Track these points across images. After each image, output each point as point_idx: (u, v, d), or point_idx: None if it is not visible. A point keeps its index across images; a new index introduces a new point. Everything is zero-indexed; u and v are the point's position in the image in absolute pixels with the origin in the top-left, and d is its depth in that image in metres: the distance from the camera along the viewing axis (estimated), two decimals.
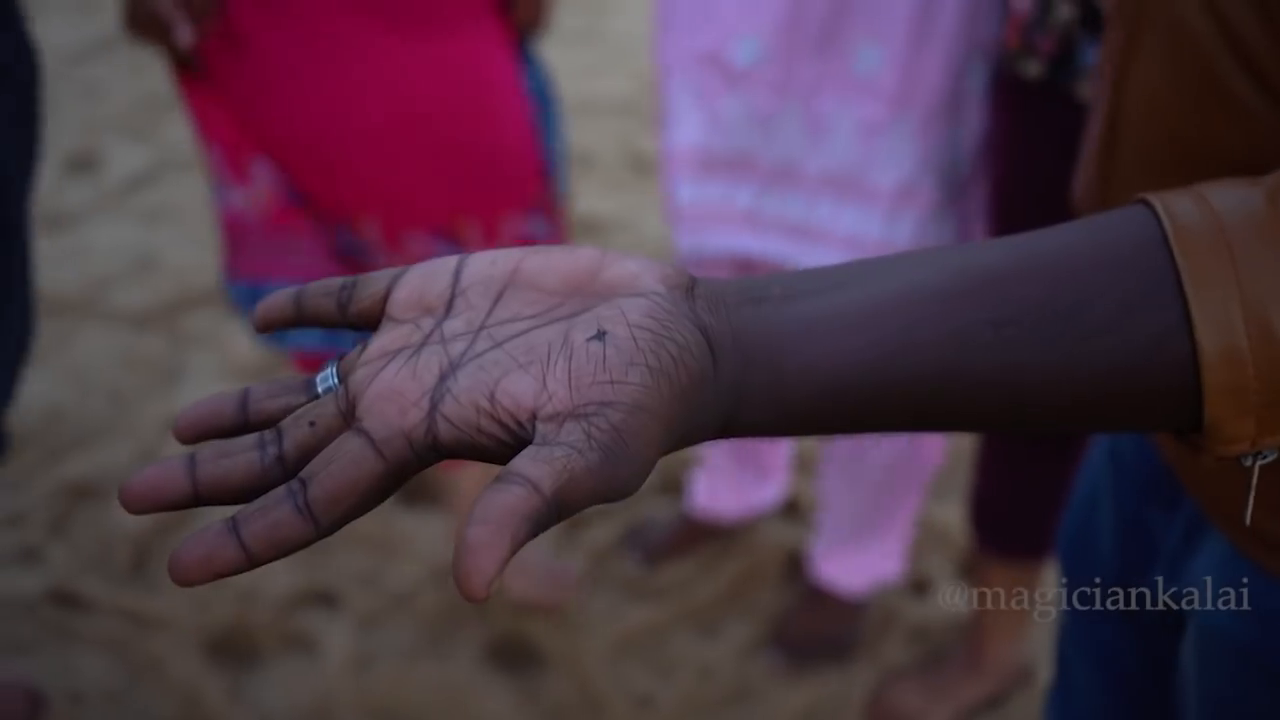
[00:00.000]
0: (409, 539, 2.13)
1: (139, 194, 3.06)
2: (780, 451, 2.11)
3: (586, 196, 3.13)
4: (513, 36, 1.81)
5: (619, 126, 3.43)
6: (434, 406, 0.49)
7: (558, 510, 0.46)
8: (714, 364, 0.51)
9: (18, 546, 2.07)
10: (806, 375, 0.52)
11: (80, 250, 2.82)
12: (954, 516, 2.14)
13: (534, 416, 0.48)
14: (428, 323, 0.53)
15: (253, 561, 0.46)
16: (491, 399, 0.49)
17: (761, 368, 0.52)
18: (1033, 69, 1.44)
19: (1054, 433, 0.55)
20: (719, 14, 1.70)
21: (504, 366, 0.50)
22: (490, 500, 0.44)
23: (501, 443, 0.48)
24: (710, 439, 0.52)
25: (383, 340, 0.53)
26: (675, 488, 2.25)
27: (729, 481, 2.09)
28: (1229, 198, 0.52)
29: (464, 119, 1.76)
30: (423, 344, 0.52)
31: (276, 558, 0.47)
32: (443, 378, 0.50)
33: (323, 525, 0.47)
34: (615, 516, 2.22)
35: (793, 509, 2.24)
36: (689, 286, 0.53)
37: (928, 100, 1.64)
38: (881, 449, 1.85)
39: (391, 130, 1.72)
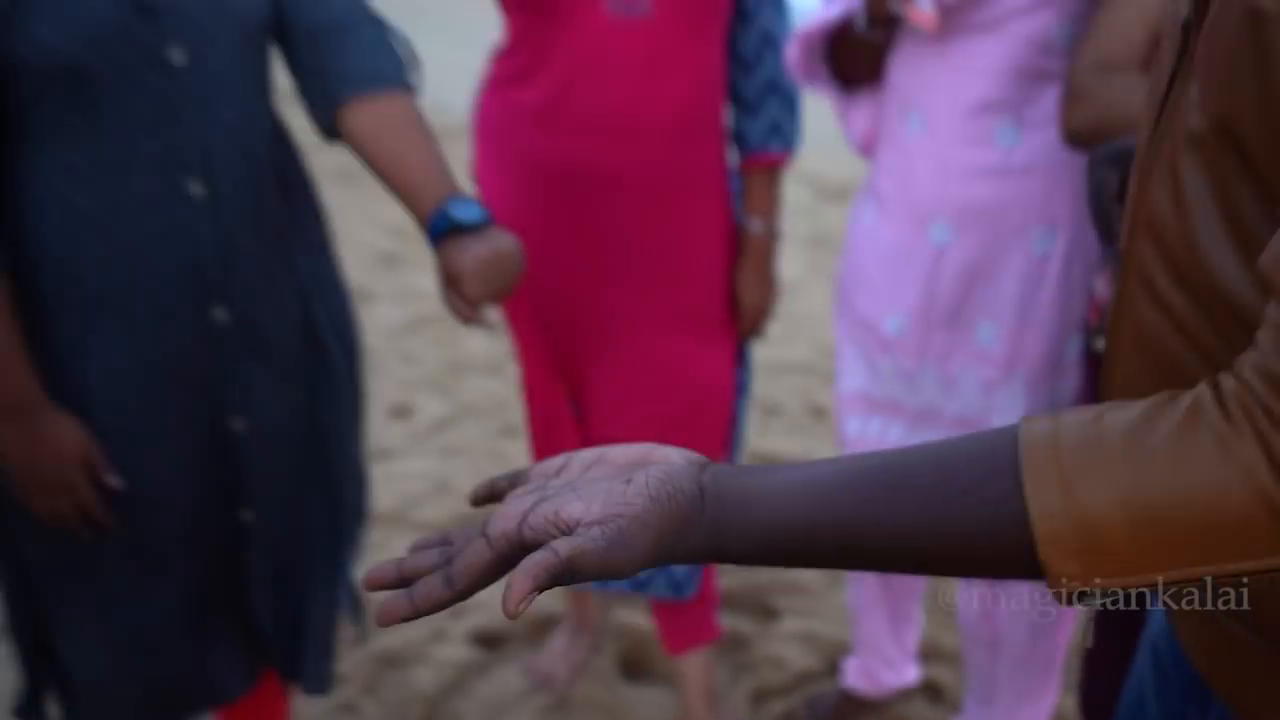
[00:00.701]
0: (631, 707, 2.14)
1: (441, 435, 3.21)
2: (910, 642, 2.08)
3: (772, 438, 3.17)
4: (736, 339, 1.92)
5: (802, 383, 3.48)
6: (523, 518, 0.64)
7: (570, 571, 0.60)
8: (702, 506, 0.64)
9: (340, 702, 2.16)
10: (764, 521, 0.63)
11: (395, 477, 2.96)
12: (1068, 705, 2.06)
13: (579, 523, 0.62)
14: (543, 481, 0.69)
15: (416, 611, 0.63)
16: (556, 514, 0.63)
17: (734, 514, 0.64)
18: (1101, 345, 1.45)
19: (953, 575, 0.62)
20: (875, 293, 1.77)
21: (570, 498, 0.64)
22: (530, 558, 0.60)
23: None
24: (701, 560, 0.64)
25: (517, 492, 0.69)
26: (835, 670, 2.23)
27: (874, 665, 2.07)
28: (1077, 414, 0.62)
29: (683, 404, 1.88)
30: (532, 491, 0.68)
31: (431, 611, 0.63)
32: (534, 505, 0.65)
33: (457, 589, 0.63)
34: (795, 692, 2.21)
35: (936, 693, 2.19)
36: (704, 464, 0.67)
37: (1033, 366, 1.67)
38: (1014, 638, 1.81)
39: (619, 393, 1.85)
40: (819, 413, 3.34)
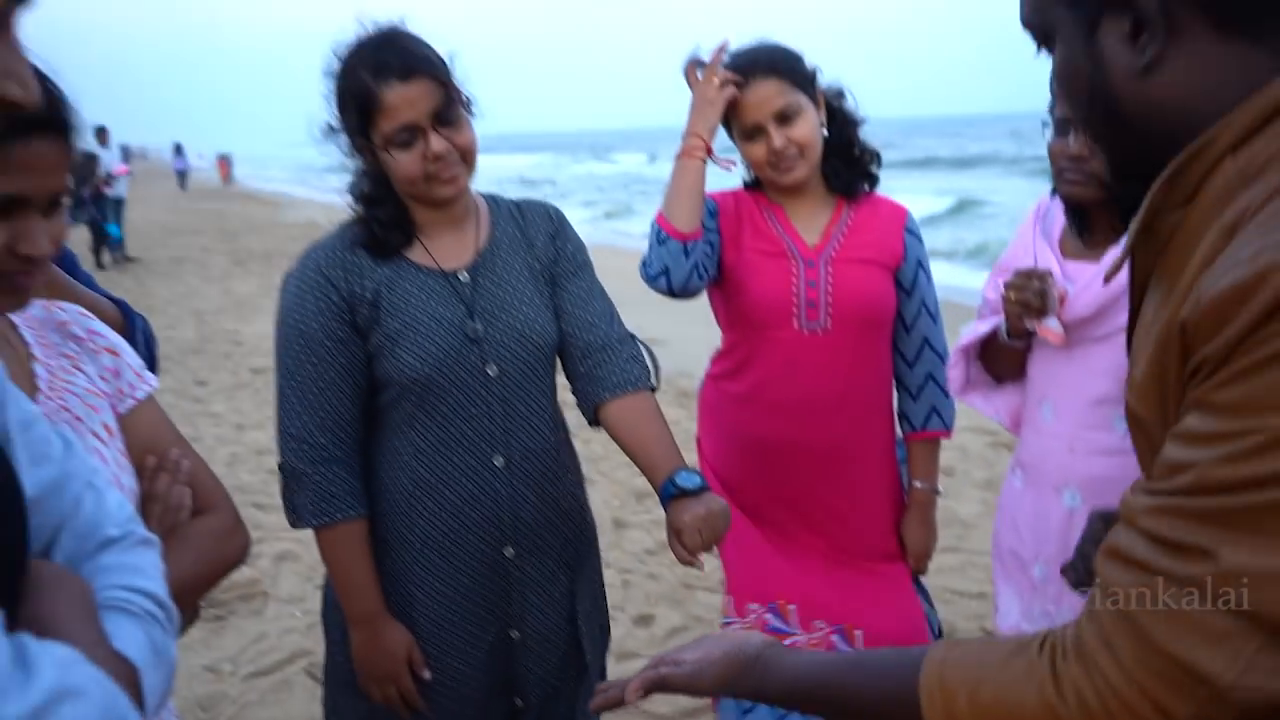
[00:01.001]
0: None
1: (675, 639, 3.24)
2: None
3: None
4: (908, 569, 1.96)
5: (977, 609, 3.35)
6: (661, 659, 0.95)
7: (665, 685, 0.91)
8: (755, 665, 0.88)
9: None
10: (790, 679, 0.86)
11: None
12: None
13: (683, 663, 0.90)
14: (689, 644, 0.96)
15: (607, 703, 0.94)
16: (675, 658, 0.92)
17: (774, 675, 0.87)
18: None
19: None
20: (1023, 543, 1.77)
21: (688, 651, 0.94)
22: (643, 673, 0.91)
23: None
24: (751, 698, 0.89)
25: (671, 648, 0.96)
26: None
27: None
28: (972, 644, 0.78)
29: (872, 616, 1.90)
30: (678, 648, 0.97)
31: (614, 706, 0.94)
32: (671, 653, 0.94)
33: (625, 694, 0.93)
34: None
35: None
36: (771, 643, 0.90)
37: None
38: None
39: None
40: (990, 635, 3.18)
